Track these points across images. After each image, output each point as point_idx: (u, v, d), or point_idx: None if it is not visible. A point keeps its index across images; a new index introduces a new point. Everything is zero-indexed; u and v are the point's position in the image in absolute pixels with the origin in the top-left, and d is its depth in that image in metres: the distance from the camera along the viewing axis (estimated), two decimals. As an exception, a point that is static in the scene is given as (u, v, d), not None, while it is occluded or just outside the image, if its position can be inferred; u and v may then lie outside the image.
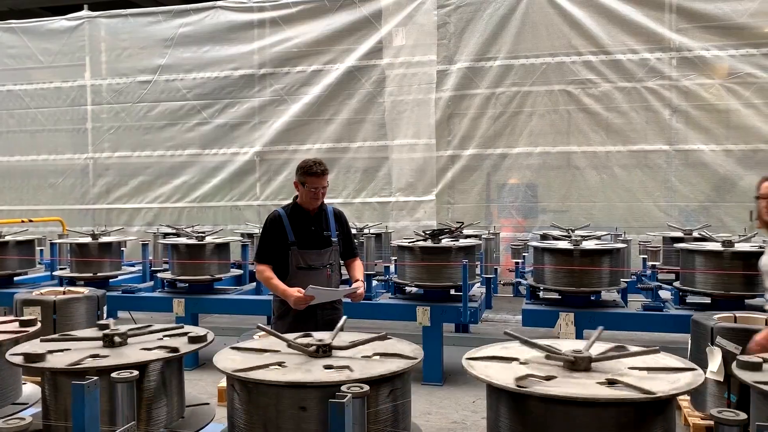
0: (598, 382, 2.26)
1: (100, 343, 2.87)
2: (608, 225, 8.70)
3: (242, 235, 8.49)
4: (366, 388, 2.16)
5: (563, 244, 6.04)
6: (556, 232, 7.62)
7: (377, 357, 2.65)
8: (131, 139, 10.68)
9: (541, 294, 6.24)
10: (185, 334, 3.00)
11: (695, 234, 7.46)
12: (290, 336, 2.90)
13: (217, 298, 6.75)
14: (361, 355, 2.65)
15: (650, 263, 6.60)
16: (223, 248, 6.93)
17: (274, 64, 10.13)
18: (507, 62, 9.26)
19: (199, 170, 10.46)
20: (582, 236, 6.48)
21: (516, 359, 2.55)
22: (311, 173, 4.04)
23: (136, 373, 2.37)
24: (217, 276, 6.82)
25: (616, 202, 9.04)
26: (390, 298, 6.43)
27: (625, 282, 6.22)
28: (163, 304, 6.74)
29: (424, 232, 6.51)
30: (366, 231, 7.78)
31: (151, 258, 7.85)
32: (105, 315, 6.23)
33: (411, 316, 6.06)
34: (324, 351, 2.67)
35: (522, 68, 9.24)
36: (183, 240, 7.01)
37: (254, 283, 7.23)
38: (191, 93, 10.42)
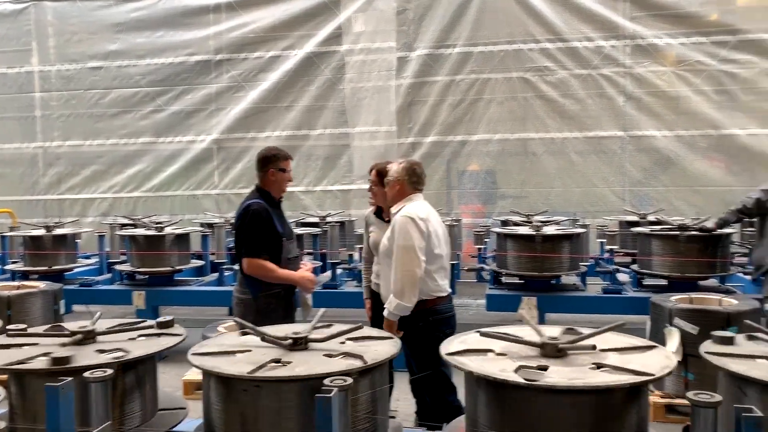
0: (590, 368, 2.29)
1: (68, 339, 2.79)
2: (565, 210, 8.87)
3: (202, 225, 8.35)
4: (349, 380, 2.16)
5: (525, 230, 6.15)
6: (516, 218, 7.74)
7: (354, 348, 2.64)
8: (83, 127, 10.35)
9: (503, 279, 6.35)
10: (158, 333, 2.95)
11: (650, 218, 7.69)
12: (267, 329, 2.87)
13: (179, 290, 6.64)
14: (340, 347, 2.65)
15: (608, 247, 6.76)
16: (183, 239, 6.80)
17: (231, 50, 9.94)
18: (466, 49, 9.31)
19: (154, 159, 10.22)
20: (542, 222, 6.60)
21: (491, 350, 2.58)
22: (287, 157, 4.10)
23: (110, 371, 2.31)
24: (178, 267, 6.69)
25: (573, 188, 9.23)
26: (356, 286, 6.43)
27: (585, 266, 6.37)
28: (123, 297, 6.59)
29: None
30: (329, 219, 7.75)
31: (107, 250, 7.64)
32: (62, 309, 6.07)
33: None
34: (301, 344, 2.66)
35: (481, 55, 9.30)
36: (142, 231, 6.85)
37: (216, 274, 7.13)
38: (145, 79, 10.14)
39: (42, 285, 5.83)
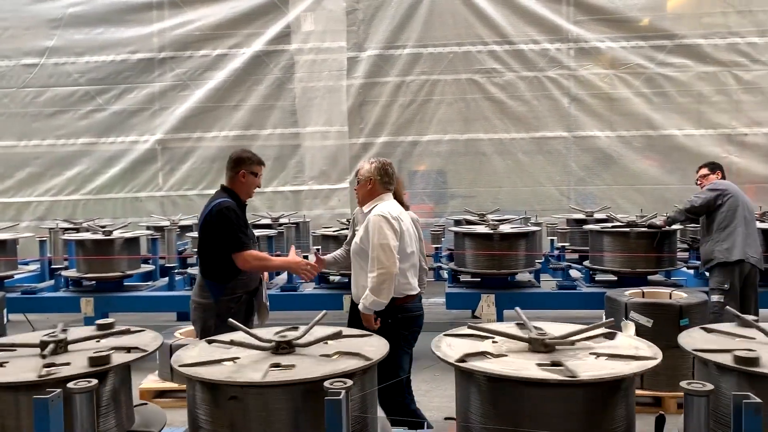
0: (595, 359, 2.35)
1: (38, 350, 2.65)
2: (513, 209, 9.05)
3: (148, 227, 8.08)
4: (349, 382, 2.14)
5: (482, 229, 6.25)
6: (469, 217, 7.86)
7: (337, 352, 2.61)
8: (16, 127, 9.83)
9: (461, 277, 6.43)
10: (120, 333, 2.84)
11: (596, 215, 7.95)
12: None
13: (130, 296, 6.40)
14: (328, 348, 2.61)
15: (560, 244, 6.95)
16: (132, 243, 6.57)
17: (175, 48, 9.67)
18: (416, 51, 9.39)
19: (94, 160, 9.82)
20: (497, 221, 6.72)
21: (489, 353, 2.59)
22: (260, 162, 4.08)
23: (95, 382, 2.20)
24: (129, 272, 6.46)
25: (521, 187, 9.44)
26: (315, 288, 6.38)
27: (540, 263, 6.53)
28: (70, 304, 6.30)
29: (348, 221, 6.50)
30: (284, 220, 7.65)
31: (49, 255, 7.29)
32: (6, 319, 5.76)
33: (337, 305, 6.04)
34: (284, 348, 2.61)
35: (430, 57, 9.39)
36: (89, 235, 6.57)
37: (166, 279, 6.92)
38: (84, 78, 9.74)
39: (-18, 293, 5.52)
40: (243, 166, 4.00)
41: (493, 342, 2.63)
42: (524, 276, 6.52)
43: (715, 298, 5.40)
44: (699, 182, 5.96)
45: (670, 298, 5.35)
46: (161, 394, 5.29)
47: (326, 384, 2.13)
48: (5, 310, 5.72)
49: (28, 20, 9.74)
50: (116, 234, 6.52)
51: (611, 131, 9.28)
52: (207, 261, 3.91)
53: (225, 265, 3.82)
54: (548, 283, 6.59)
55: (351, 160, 9.50)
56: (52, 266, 7.21)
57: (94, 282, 6.53)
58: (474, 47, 9.32)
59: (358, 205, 4.00)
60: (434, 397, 5.35)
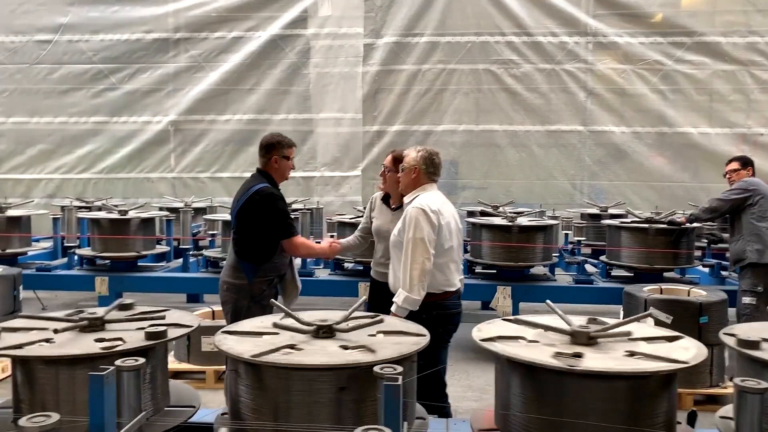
0: (624, 355, 2.34)
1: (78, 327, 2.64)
2: (526, 202, 9.04)
3: (161, 209, 8.06)
4: (399, 368, 2.13)
5: (500, 221, 6.23)
6: (483, 209, 7.85)
7: (381, 336, 2.61)
8: (29, 104, 9.78)
9: (476, 268, 6.41)
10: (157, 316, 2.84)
11: (610, 211, 7.94)
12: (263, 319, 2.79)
13: (144, 276, 6.39)
14: (368, 334, 2.60)
15: (575, 238, 6.93)
16: (148, 223, 6.54)
17: (191, 29, 9.60)
18: (433, 39, 9.33)
19: (106, 139, 9.79)
20: (514, 213, 6.69)
21: (522, 337, 2.60)
22: (291, 144, 4.09)
23: (142, 360, 2.20)
24: (144, 253, 6.44)
25: (534, 180, 9.41)
26: (330, 274, 6.36)
27: (555, 256, 6.52)
28: (84, 282, 6.29)
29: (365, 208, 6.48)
30: (299, 206, 7.63)
31: (62, 233, 7.27)
32: (20, 295, 5.75)
33: (353, 292, 6.04)
34: (326, 332, 2.60)
35: (448, 46, 9.33)
36: (105, 214, 6.55)
37: (180, 260, 6.91)
38: (98, 56, 9.68)
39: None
40: (274, 152, 4.00)
41: (530, 341, 2.62)
42: (538, 269, 6.51)
43: (747, 299, 5.31)
44: (729, 177, 5.80)
45: (689, 295, 5.35)
46: (176, 375, 5.29)
47: (377, 369, 2.12)
48: (21, 287, 5.71)
49: (43, -4, 9.67)
50: (132, 214, 6.50)
51: (626, 127, 9.25)
52: (245, 243, 3.93)
53: (263, 248, 3.89)
54: (562, 277, 6.57)
55: (364, 148, 9.46)
56: (65, 244, 7.19)
57: (108, 261, 6.51)
58: (492, 38, 9.26)
59: (402, 193, 3.84)
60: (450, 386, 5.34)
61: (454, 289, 3.69)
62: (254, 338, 2.57)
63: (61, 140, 9.84)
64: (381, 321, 2.77)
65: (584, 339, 2.48)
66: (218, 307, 5.99)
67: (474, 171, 9.53)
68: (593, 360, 2.29)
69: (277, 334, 2.62)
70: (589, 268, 6.67)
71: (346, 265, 6.50)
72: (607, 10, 9.17)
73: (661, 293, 5.39)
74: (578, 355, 2.36)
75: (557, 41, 9.20)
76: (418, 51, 9.34)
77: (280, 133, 4.14)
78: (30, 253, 6.87)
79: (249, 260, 3.90)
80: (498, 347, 2.40)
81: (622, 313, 5.54)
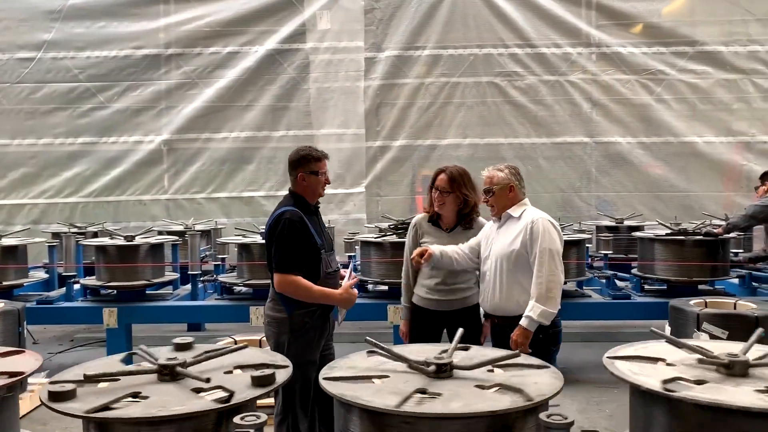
0: (756, 390, 2.10)
1: (154, 377, 2.29)
2: (533, 215, 8.83)
3: (159, 233, 7.64)
4: (571, 418, 1.84)
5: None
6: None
7: (503, 375, 2.32)
8: (10, 125, 9.23)
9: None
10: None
11: (627, 223, 7.80)
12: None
13: (156, 306, 5.97)
14: (489, 377, 2.30)
15: (602, 252, 6.75)
16: (157, 249, 6.15)
17: (184, 44, 9.22)
18: (436, 52, 9.14)
19: (95, 160, 9.29)
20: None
21: (662, 359, 2.35)
22: (319, 158, 3.65)
23: (264, 417, 1.87)
24: (154, 281, 6.03)
25: (541, 193, 9.23)
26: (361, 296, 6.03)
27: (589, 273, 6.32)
28: (91, 314, 5.85)
29: (389, 227, 6.21)
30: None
31: (60, 262, 6.79)
32: (25, 331, 5.29)
33: (381, 316, 5.74)
34: (445, 370, 2.30)
35: (450, 59, 9.15)
36: (111, 240, 6.12)
37: (188, 286, 6.51)
38: (84, 74, 9.21)
39: (1, 304, 5.05)
40: (300, 168, 3.62)
41: (668, 364, 2.38)
42: (569, 286, 6.29)
43: None
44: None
45: (735, 308, 5.19)
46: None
47: (543, 417, 1.83)
48: (24, 323, 5.26)
49: (24, 11, 9.17)
50: (139, 239, 6.09)
51: (632, 137, 9.17)
52: None
53: (306, 276, 3.50)
54: (593, 293, 6.36)
55: (367, 164, 9.18)
56: (63, 273, 6.71)
57: (114, 291, 6.09)
58: (495, 50, 9.11)
59: (496, 215, 3.71)
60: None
61: (560, 306, 3.52)
62: (365, 383, 2.25)
63: (46, 163, 9.32)
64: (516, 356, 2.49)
65: (742, 369, 2.23)
66: (241, 336, 5.63)
67: (479, 185, 9.29)
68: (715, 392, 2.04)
69: (387, 376, 2.31)
70: (620, 282, 6.47)
71: (369, 287, 6.20)
72: (610, 20, 9.11)
73: (706, 306, 5.22)
74: (700, 382, 2.13)
75: (561, 52, 9.10)
76: (420, 64, 9.14)
77: (310, 146, 3.75)
78: (24, 284, 6.38)
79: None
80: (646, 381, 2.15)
81: (668, 329, 5.35)
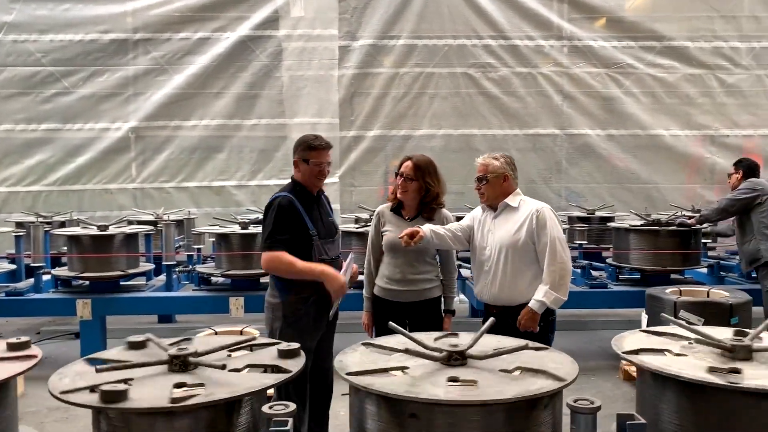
0: None
1: (165, 367, 2.22)
2: (505, 206, 8.92)
3: (130, 222, 7.44)
4: (597, 403, 1.87)
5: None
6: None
7: (518, 368, 2.32)
8: (-32, 110, 8.87)
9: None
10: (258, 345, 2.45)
11: (598, 214, 7.95)
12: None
13: (132, 297, 5.82)
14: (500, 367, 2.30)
15: (577, 242, 6.87)
16: (132, 239, 5.99)
17: (153, 29, 8.97)
18: (410, 42, 9.12)
19: (59, 148, 8.98)
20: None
21: (668, 350, 2.40)
22: (314, 147, 3.61)
23: (293, 407, 1.84)
24: (130, 271, 5.88)
25: (513, 184, 9.31)
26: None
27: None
28: (64, 306, 5.68)
29: (371, 216, 6.17)
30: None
31: (28, 252, 6.54)
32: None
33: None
34: (457, 359, 2.30)
35: (425, 49, 9.14)
36: (83, 230, 5.94)
37: (162, 277, 6.38)
38: (47, 57, 8.88)
39: (-29, 296, 4.86)
40: (296, 154, 3.65)
41: (677, 354, 2.43)
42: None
43: None
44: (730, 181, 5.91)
45: (708, 296, 5.35)
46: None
47: (570, 402, 1.85)
48: (-5, 315, 5.08)
49: (-18, -8, 8.80)
50: (113, 229, 5.93)
51: (601, 129, 9.33)
52: None
53: None
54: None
55: (341, 154, 9.11)
56: (32, 264, 6.48)
57: (86, 282, 5.91)
58: (469, 41, 9.14)
59: (487, 203, 3.70)
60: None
61: None
62: (383, 376, 2.22)
63: (6, 150, 8.97)
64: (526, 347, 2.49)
65: (744, 354, 2.30)
66: (221, 327, 5.54)
67: (453, 176, 9.21)
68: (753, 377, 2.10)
69: (407, 368, 2.29)
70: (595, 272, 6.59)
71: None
72: (582, 14, 9.24)
73: (681, 295, 5.37)
74: (736, 371, 2.19)
75: (533, 45, 9.19)
76: (395, 54, 9.11)
77: (317, 135, 3.70)
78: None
79: (279, 277, 3.57)
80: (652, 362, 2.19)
81: (645, 317, 5.49)
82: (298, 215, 3.52)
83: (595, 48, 9.23)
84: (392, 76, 9.12)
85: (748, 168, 5.75)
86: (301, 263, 3.46)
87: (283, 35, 9.04)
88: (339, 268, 3.65)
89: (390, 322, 2.49)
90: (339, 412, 3.92)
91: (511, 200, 3.61)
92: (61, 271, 5.91)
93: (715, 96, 9.32)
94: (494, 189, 3.62)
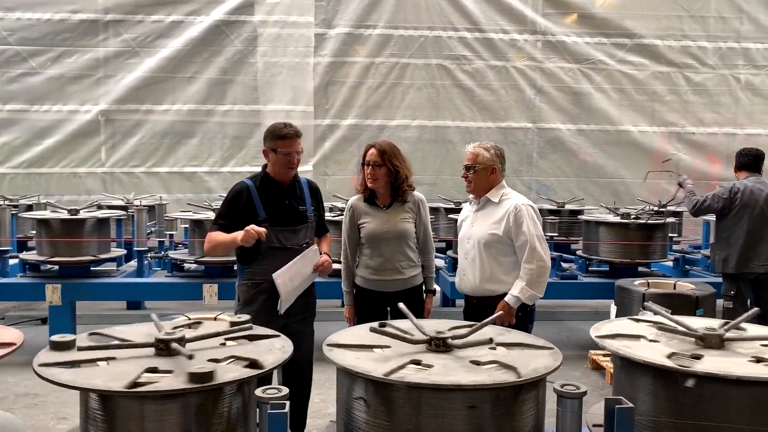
0: (749, 360, 2.27)
1: (152, 350, 2.22)
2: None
3: (99, 207, 7.32)
4: (583, 388, 1.93)
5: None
6: (443, 205, 7.82)
7: (503, 349, 2.39)
8: (-70, 89, 8.59)
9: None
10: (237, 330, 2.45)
11: (567, 207, 8.09)
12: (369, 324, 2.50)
13: (103, 283, 5.74)
14: (488, 348, 2.37)
15: (548, 234, 6.97)
16: (104, 224, 5.90)
17: (124, 11, 8.80)
18: (386, 31, 9.12)
19: (25, 130, 8.78)
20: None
21: (643, 336, 2.49)
22: (282, 136, 3.53)
23: (285, 390, 1.86)
24: (101, 256, 5.80)
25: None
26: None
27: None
28: (32, 291, 5.58)
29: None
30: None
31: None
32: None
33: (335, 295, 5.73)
34: (440, 345, 2.35)
35: (401, 39, 9.16)
36: (52, 213, 5.82)
37: (133, 262, 6.31)
38: (14, 36, 8.65)
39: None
40: (266, 143, 3.60)
41: (651, 341, 2.51)
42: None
43: (726, 303, 5.44)
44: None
45: (675, 288, 5.51)
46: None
47: (557, 387, 1.92)
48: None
49: (-55, -34, 8.51)
50: (84, 213, 5.83)
51: (572, 124, 9.49)
52: None
53: (242, 248, 3.51)
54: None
55: (315, 142, 9.10)
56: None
57: (56, 267, 5.81)
58: (445, 32, 9.18)
59: (472, 193, 3.76)
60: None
61: None
62: (365, 351, 2.27)
63: (-30, 130, 8.74)
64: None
65: (716, 342, 2.39)
66: (195, 314, 5.50)
67: (427, 167, 9.41)
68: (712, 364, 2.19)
69: (388, 346, 2.34)
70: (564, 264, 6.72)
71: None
72: (556, 10, 9.35)
73: (649, 287, 5.52)
74: (696, 357, 2.28)
75: (508, 38, 9.28)
76: (371, 43, 9.10)
77: (287, 123, 3.61)
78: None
79: (238, 261, 3.68)
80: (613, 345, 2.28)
81: (614, 308, 5.63)
82: (250, 201, 3.51)
83: (567, 43, 9.36)
84: (368, 66, 9.12)
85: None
86: (222, 236, 3.45)
87: (258, 21, 8.96)
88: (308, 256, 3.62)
89: (400, 303, 2.52)
90: (314, 399, 3.96)
91: (492, 195, 3.65)
92: (30, 255, 5.79)
93: (682, 94, 9.55)
94: (481, 180, 3.66)
